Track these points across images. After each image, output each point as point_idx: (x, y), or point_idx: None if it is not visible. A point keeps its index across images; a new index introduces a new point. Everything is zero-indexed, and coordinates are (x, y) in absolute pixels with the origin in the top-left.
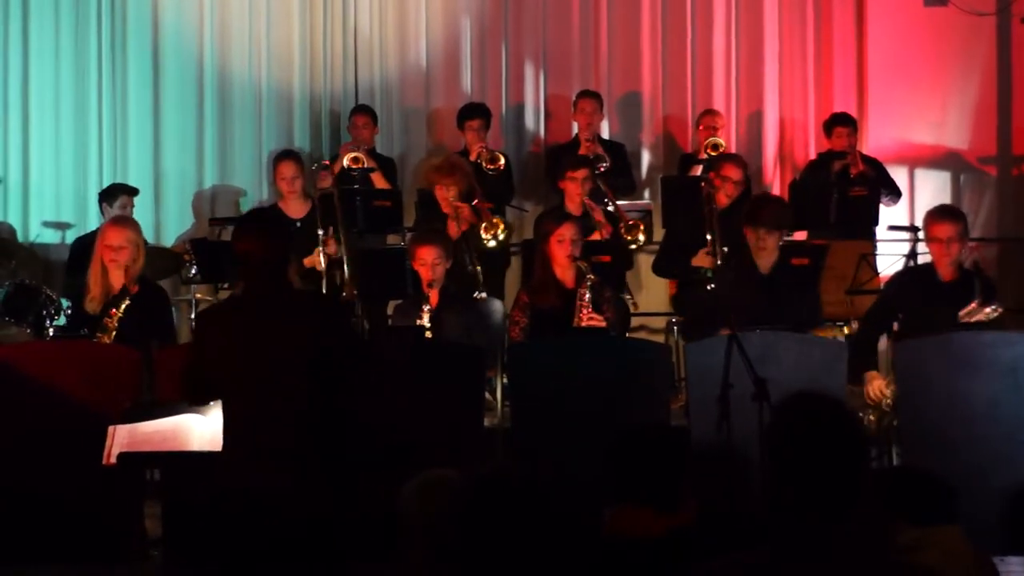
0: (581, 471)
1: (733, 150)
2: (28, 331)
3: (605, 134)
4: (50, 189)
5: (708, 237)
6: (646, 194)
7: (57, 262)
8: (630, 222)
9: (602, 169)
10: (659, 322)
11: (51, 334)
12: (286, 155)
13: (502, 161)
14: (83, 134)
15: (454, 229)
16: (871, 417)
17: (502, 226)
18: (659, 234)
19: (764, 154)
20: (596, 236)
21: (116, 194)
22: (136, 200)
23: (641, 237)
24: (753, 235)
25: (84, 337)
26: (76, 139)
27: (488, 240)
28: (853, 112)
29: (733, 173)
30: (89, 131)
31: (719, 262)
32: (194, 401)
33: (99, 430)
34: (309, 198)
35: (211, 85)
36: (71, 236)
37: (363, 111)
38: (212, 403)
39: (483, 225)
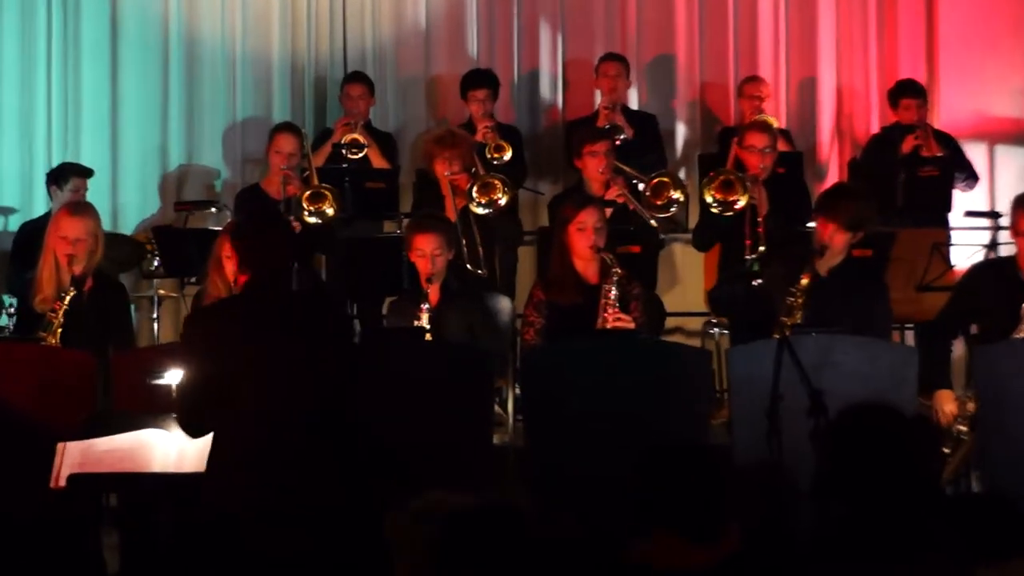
0: (606, 496)
1: (784, 125)
2: None
3: (633, 104)
4: None
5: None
6: (681, 173)
7: None
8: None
9: (618, 142)
10: (696, 323)
11: None
12: (287, 128)
13: (508, 153)
14: (28, 105)
15: (452, 209)
16: (945, 450)
17: (502, 187)
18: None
19: (819, 129)
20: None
21: (67, 176)
22: (90, 182)
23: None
24: (822, 229)
25: (31, 340)
26: (20, 111)
27: (481, 198)
28: (922, 80)
29: (757, 140)
30: (36, 102)
31: (760, 248)
32: (198, 430)
33: (47, 447)
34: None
35: (177, 49)
36: (15, 223)
37: (358, 79)
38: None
39: (492, 147)
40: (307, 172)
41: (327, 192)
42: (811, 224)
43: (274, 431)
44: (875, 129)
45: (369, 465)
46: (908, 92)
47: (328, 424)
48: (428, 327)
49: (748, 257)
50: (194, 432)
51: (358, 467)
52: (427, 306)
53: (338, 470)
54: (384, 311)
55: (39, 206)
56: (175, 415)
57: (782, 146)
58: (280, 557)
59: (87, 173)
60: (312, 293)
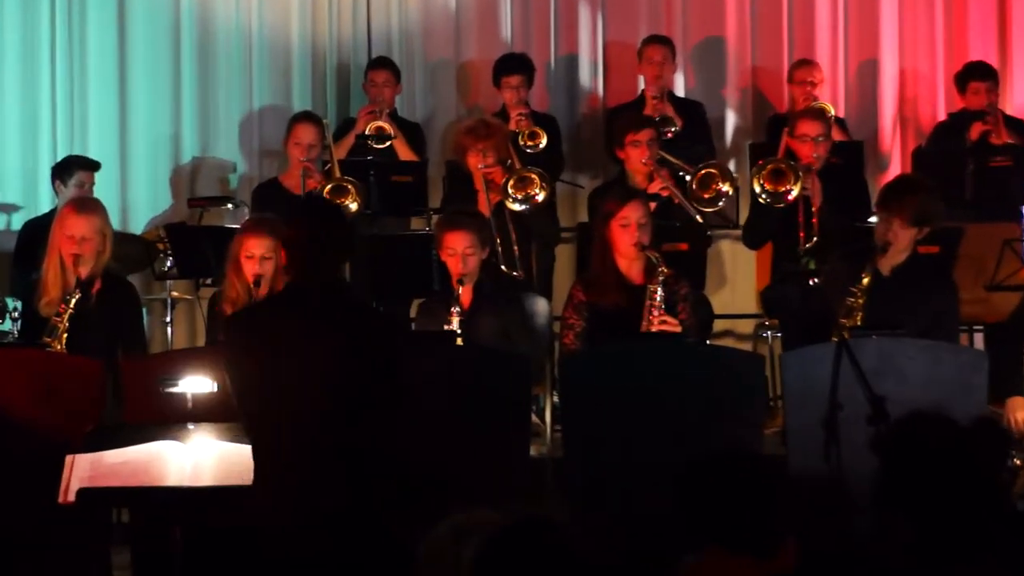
0: (652, 511)
1: (841, 112)
2: None
3: (679, 91)
4: None
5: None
6: (731, 165)
7: (1, 252)
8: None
9: (670, 135)
10: (748, 325)
11: None
12: (306, 117)
13: (543, 140)
14: (32, 96)
15: (486, 204)
16: (1016, 461)
17: (540, 182)
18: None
19: (880, 115)
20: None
21: (72, 169)
22: (97, 176)
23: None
24: (884, 223)
25: (37, 346)
26: (23, 102)
27: (517, 193)
28: (993, 62)
29: (809, 128)
30: (39, 92)
31: (809, 243)
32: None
33: (54, 460)
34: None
35: (189, 34)
36: (18, 221)
37: (383, 65)
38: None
39: (525, 134)
40: (329, 165)
41: (350, 186)
42: (872, 219)
43: (308, 441)
44: (941, 116)
45: (400, 479)
46: (977, 75)
47: (359, 435)
48: (459, 331)
49: (802, 250)
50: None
51: (389, 479)
52: (458, 309)
53: (368, 483)
54: (412, 314)
55: (44, 203)
56: (242, 427)
57: (838, 135)
58: (307, 567)
59: (93, 166)
60: (359, 299)
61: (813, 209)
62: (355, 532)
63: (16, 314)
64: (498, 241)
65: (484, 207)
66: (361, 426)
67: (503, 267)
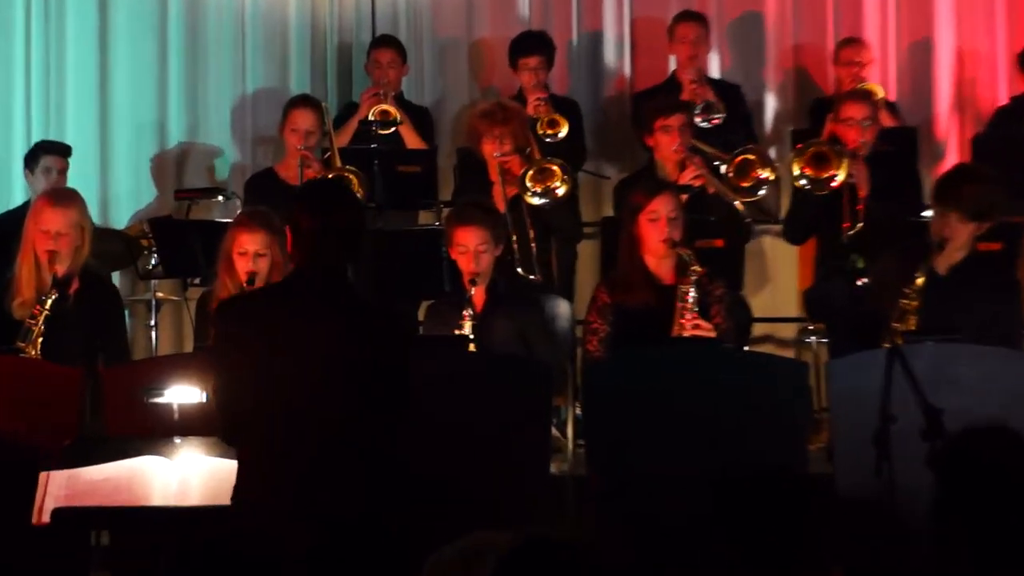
0: (684, 534)
1: (892, 96)
2: None
3: (714, 72)
4: None
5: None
6: (772, 152)
7: None
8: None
9: (715, 123)
10: (790, 329)
11: None
12: (304, 101)
13: (564, 128)
14: (4, 77)
15: (502, 197)
16: None
17: (561, 174)
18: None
19: (935, 99)
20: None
21: (37, 155)
22: (76, 166)
23: None
24: (940, 218)
25: (9, 352)
26: None
27: (536, 186)
28: None
29: (854, 112)
30: (12, 73)
31: (853, 231)
32: (239, 441)
33: (27, 477)
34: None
35: (177, 9)
36: None
37: (388, 44)
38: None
39: (544, 121)
40: (328, 153)
41: (352, 176)
42: (927, 213)
43: (303, 438)
44: (1003, 100)
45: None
46: None
47: (358, 433)
48: (472, 336)
49: (846, 239)
50: (237, 442)
51: (392, 493)
52: (471, 311)
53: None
54: (420, 317)
55: (18, 194)
56: (219, 429)
57: (889, 121)
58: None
59: (63, 151)
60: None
61: (859, 197)
62: (352, 532)
63: None
64: (514, 238)
65: (499, 200)
66: (361, 425)
67: (519, 267)
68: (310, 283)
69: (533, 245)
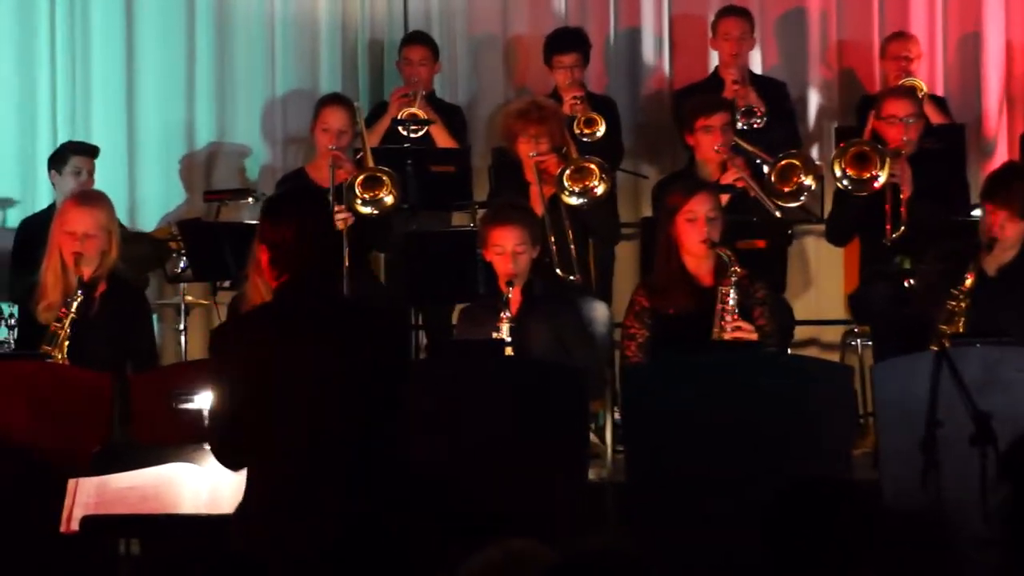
0: (725, 543)
1: (940, 92)
2: None
3: (756, 68)
4: None
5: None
6: (815, 151)
7: None
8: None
9: (757, 125)
10: (834, 333)
11: None
12: (335, 100)
13: (601, 128)
14: (29, 78)
15: (539, 197)
16: None
17: (599, 172)
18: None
19: (984, 95)
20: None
21: (65, 155)
22: (103, 168)
23: None
24: (990, 217)
25: (35, 357)
26: (19, 84)
27: (574, 185)
28: None
29: (897, 109)
30: (38, 74)
31: (896, 233)
32: (235, 461)
33: (55, 485)
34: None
35: (206, 8)
36: (15, 217)
37: (419, 41)
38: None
39: (581, 121)
40: (360, 153)
41: (385, 177)
42: (975, 212)
43: (306, 462)
44: None
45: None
46: None
47: (368, 455)
48: (508, 340)
49: (888, 241)
50: (232, 464)
51: (403, 505)
52: (507, 314)
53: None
54: (455, 320)
55: (44, 196)
56: (209, 445)
57: (936, 117)
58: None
59: (90, 152)
60: (362, 301)
61: (902, 198)
62: (359, 538)
63: (13, 321)
64: (552, 239)
65: (536, 201)
66: (363, 429)
67: (558, 268)
68: (297, 298)
69: (572, 247)
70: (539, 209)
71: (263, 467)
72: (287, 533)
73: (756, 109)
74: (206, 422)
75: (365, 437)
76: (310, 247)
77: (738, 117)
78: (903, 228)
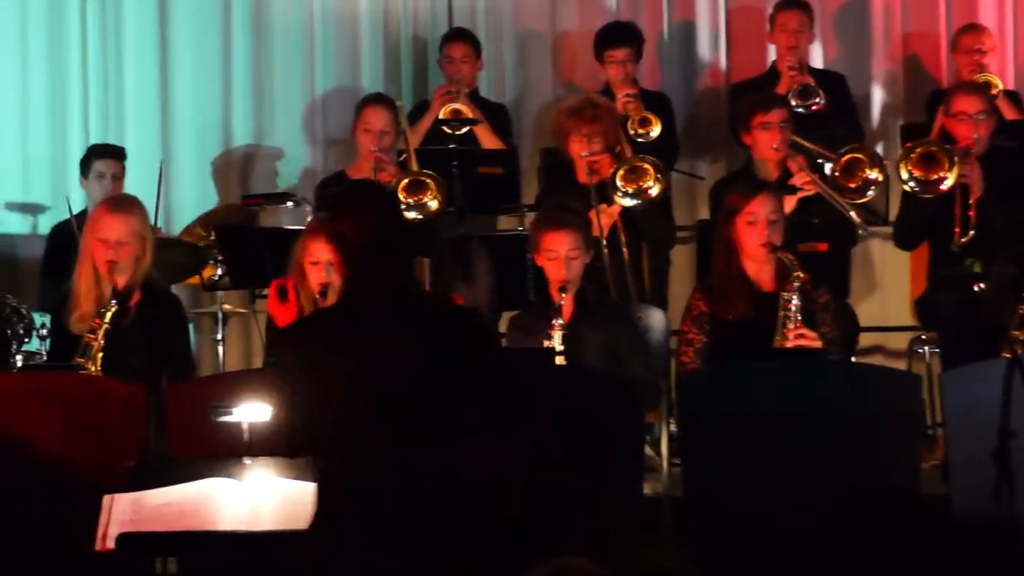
0: (786, 560)
1: (1011, 85)
2: None
3: (817, 62)
4: (15, 159)
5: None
6: (879, 148)
7: (25, 260)
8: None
9: (814, 108)
10: (901, 339)
11: (19, 364)
12: (377, 100)
13: (656, 127)
14: (60, 80)
15: (597, 225)
16: None
17: (654, 173)
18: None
19: None
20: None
21: (89, 159)
22: (136, 172)
23: None
24: None
25: (68, 368)
26: (50, 87)
27: (628, 187)
28: None
29: (967, 105)
30: (68, 76)
31: (965, 238)
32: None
33: (90, 501)
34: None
35: (242, 4)
36: (45, 224)
37: (460, 38)
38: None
39: (635, 120)
40: (404, 155)
41: (429, 180)
42: None
43: (381, 472)
44: None
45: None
46: None
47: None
48: (560, 348)
49: (957, 245)
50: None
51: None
52: (559, 322)
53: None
54: (504, 328)
55: (75, 202)
56: (281, 453)
57: (1009, 113)
58: None
59: (117, 154)
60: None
61: (971, 200)
62: (434, 554)
63: (45, 331)
64: (604, 243)
65: (595, 223)
66: (447, 443)
67: (611, 274)
68: (367, 294)
69: (626, 250)
70: (596, 231)
71: (334, 478)
72: (366, 550)
73: (814, 88)
74: (272, 432)
75: (440, 444)
76: (380, 242)
77: (793, 100)
78: (973, 231)
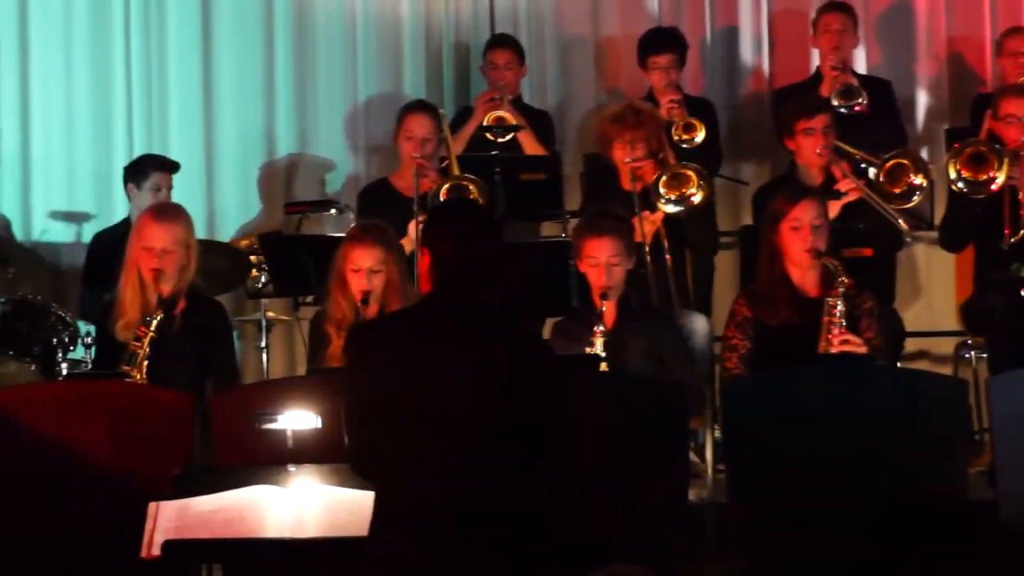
0: (831, 567)
1: None
2: (32, 368)
3: (861, 67)
4: (59, 166)
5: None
6: (924, 153)
7: (71, 269)
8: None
9: (856, 109)
10: (947, 344)
11: (65, 372)
12: (420, 107)
13: (701, 133)
14: (104, 87)
15: (640, 231)
16: None
17: (697, 180)
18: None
19: None
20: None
21: (146, 170)
22: (179, 179)
23: None
24: None
25: (114, 377)
26: (94, 94)
27: (670, 193)
28: None
29: (1016, 108)
30: (112, 83)
31: (1015, 237)
32: (371, 474)
33: (135, 508)
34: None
35: (284, 13)
36: (89, 232)
37: (503, 44)
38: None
39: (680, 126)
40: (446, 161)
41: (471, 185)
42: None
43: (439, 482)
44: None
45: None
46: None
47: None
48: (603, 354)
49: (1007, 246)
50: (369, 475)
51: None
52: (602, 328)
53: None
54: (547, 335)
55: (119, 210)
56: (352, 461)
57: None
58: None
59: (171, 167)
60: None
61: (1020, 201)
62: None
63: (89, 340)
64: (647, 249)
65: (638, 229)
66: (504, 465)
67: (653, 280)
68: (442, 305)
69: (668, 256)
70: (639, 236)
71: (394, 486)
72: (424, 560)
73: (857, 89)
74: (344, 429)
75: (497, 461)
76: (465, 257)
77: (835, 100)
78: (1022, 232)
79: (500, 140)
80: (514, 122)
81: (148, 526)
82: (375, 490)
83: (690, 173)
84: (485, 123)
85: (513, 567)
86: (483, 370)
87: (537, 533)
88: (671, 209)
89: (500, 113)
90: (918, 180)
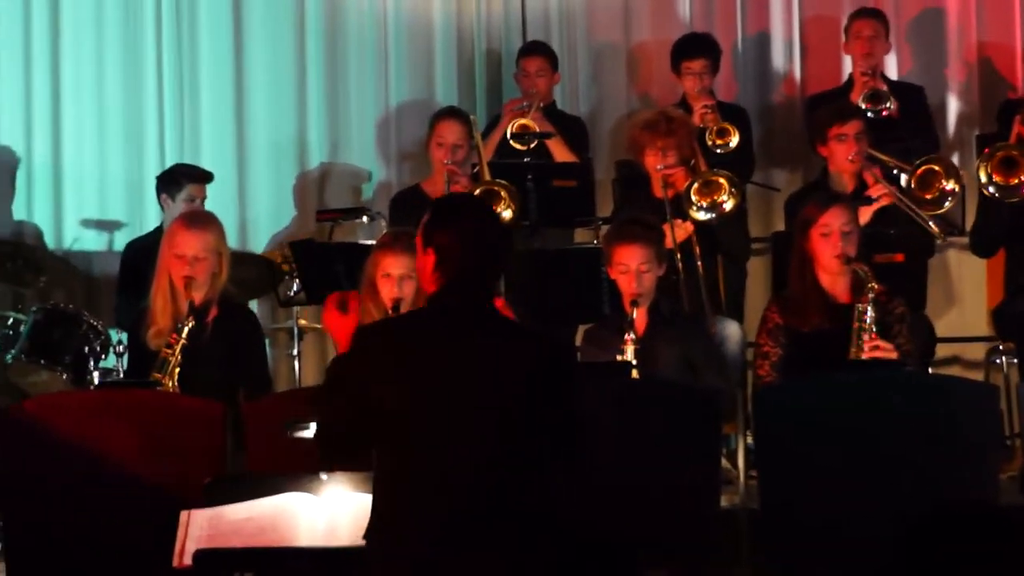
0: (865, 572)
1: None
2: (64, 376)
3: (892, 73)
4: (91, 175)
5: None
6: (955, 159)
7: (103, 277)
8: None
9: (885, 114)
10: (978, 350)
11: (96, 381)
12: (451, 113)
13: (735, 138)
14: (136, 96)
15: (671, 237)
16: None
17: (728, 187)
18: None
19: None
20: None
21: (180, 181)
22: (211, 188)
23: None
24: None
25: (146, 385)
26: (126, 102)
27: (702, 200)
28: None
29: None
30: (144, 93)
31: None
32: (336, 460)
33: (167, 517)
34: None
35: (316, 21)
36: (121, 240)
37: (536, 51)
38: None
39: (714, 131)
40: (477, 167)
41: (503, 191)
42: None
43: (448, 489)
44: None
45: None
46: None
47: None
48: (635, 361)
49: None
50: (332, 465)
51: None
52: (633, 335)
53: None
54: (578, 342)
55: (151, 219)
56: (322, 449)
57: None
58: None
59: (206, 178)
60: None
61: None
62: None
63: (121, 348)
64: (678, 256)
65: (669, 235)
66: (526, 467)
67: (684, 286)
68: (453, 304)
69: (700, 263)
70: (669, 242)
71: (397, 489)
72: (434, 555)
73: (885, 93)
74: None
75: (524, 470)
76: (473, 254)
77: (864, 104)
78: None
79: (526, 148)
80: (541, 129)
81: (179, 535)
82: (376, 490)
83: (722, 180)
84: (510, 131)
85: (522, 565)
86: (501, 367)
87: (549, 532)
88: (702, 216)
89: (524, 121)
90: (950, 186)
